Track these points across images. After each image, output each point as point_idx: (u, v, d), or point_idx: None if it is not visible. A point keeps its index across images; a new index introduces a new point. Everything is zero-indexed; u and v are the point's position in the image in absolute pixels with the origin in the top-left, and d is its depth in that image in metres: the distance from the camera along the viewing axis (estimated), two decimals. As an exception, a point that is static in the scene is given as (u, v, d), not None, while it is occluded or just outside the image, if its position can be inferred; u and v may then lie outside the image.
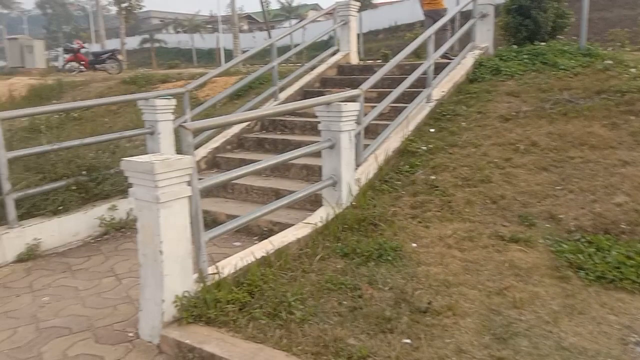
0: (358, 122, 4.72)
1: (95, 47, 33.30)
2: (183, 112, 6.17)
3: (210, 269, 3.32)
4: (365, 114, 5.06)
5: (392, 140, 5.49)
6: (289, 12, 54.37)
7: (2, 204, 4.36)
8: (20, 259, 4.43)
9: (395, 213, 4.44)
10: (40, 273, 4.19)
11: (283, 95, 7.51)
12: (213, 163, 6.44)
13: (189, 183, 3.06)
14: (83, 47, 18.18)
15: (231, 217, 5.18)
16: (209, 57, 50.79)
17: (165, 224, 2.93)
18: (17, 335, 3.20)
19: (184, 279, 3.10)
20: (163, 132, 5.51)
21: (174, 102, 5.56)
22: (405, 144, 5.49)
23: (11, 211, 4.43)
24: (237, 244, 4.75)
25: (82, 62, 16.30)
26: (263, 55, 10.40)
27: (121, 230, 5.08)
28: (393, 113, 6.04)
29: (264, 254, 3.64)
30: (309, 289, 3.32)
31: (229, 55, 42.68)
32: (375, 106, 5.50)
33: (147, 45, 53.56)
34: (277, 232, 4.69)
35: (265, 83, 8.29)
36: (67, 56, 16.76)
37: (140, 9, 38.18)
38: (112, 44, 40.17)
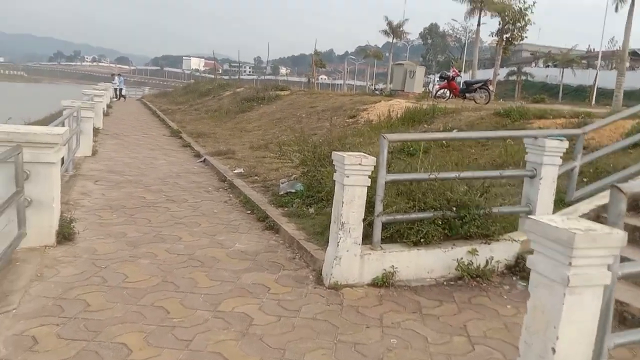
0: None
1: (465, 77, 34.64)
2: (573, 157, 5.19)
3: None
4: None
5: None
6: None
7: (370, 224, 4.32)
8: (374, 283, 4.30)
9: None
10: (390, 306, 3.95)
11: None
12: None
13: (610, 267, 2.18)
14: (458, 76, 18.74)
15: (623, 305, 3.97)
16: (575, 94, 46.76)
17: (568, 315, 2.14)
18: (362, 379, 2.92)
19: (574, 394, 2.24)
20: (545, 177, 4.69)
21: (566, 144, 4.67)
22: None
23: (377, 233, 4.35)
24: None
25: (453, 90, 16.77)
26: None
27: (477, 279, 4.47)
28: None
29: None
30: None
31: (601, 94, 38.26)
32: None
33: (513, 77, 53.19)
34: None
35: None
36: (440, 83, 17.51)
37: (522, 39, 37.99)
38: (481, 75, 41.27)
